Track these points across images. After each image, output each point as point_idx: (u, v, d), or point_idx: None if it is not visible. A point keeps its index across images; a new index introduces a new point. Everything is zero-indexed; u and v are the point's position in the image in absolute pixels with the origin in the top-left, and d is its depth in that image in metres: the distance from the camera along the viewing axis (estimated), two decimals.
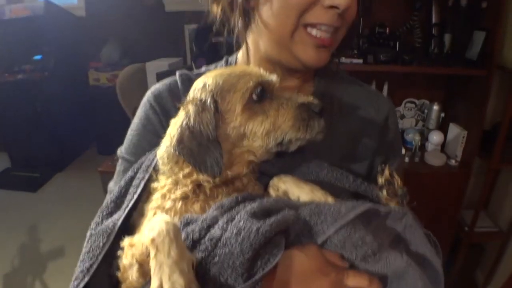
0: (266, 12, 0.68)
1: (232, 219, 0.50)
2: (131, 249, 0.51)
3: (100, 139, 4.13)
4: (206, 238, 0.49)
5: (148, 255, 0.46)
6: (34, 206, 3.42)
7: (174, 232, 0.45)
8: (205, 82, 0.59)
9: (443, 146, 2.37)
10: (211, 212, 0.53)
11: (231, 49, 0.84)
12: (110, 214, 0.63)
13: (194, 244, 0.49)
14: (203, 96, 0.58)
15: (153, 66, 2.38)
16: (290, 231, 0.52)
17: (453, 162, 2.28)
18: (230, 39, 0.82)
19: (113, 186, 0.76)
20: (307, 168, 0.65)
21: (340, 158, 0.73)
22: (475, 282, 2.57)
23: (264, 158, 0.62)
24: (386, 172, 0.56)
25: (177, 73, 0.81)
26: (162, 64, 2.43)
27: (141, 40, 3.85)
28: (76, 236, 3.02)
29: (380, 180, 0.57)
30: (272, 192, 0.61)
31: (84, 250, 0.59)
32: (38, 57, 3.77)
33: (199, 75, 0.81)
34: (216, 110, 0.57)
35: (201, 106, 0.57)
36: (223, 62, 0.84)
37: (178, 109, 0.61)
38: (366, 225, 0.53)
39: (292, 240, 0.52)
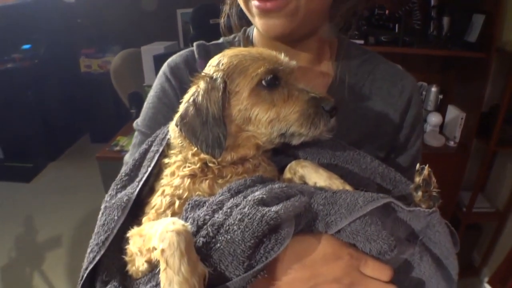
0: None
1: (238, 204, 0.48)
2: (139, 239, 0.50)
3: (93, 127, 4.09)
4: (209, 223, 0.47)
5: (156, 260, 0.45)
6: (29, 197, 3.38)
7: (186, 244, 0.43)
8: (219, 60, 0.58)
9: (441, 128, 2.38)
10: (218, 196, 0.52)
11: (231, 30, 0.82)
12: (124, 187, 0.62)
13: (198, 230, 0.48)
14: (214, 74, 0.57)
15: (149, 50, 2.34)
16: (301, 219, 0.50)
17: (451, 143, 2.30)
18: (228, 21, 0.81)
19: (128, 158, 0.75)
20: (321, 147, 0.63)
21: (359, 139, 0.72)
22: (472, 263, 2.61)
23: (269, 146, 0.60)
24: (426, 172, 0.53)
25: (195, 44, 0.79)
26: (158, 48, 2.39)
27: (133, 25, 3.78)
28: (73, 226, 3.01)
29: (418, 179, 0.54)
30: (288, 175, 0.60)
31: (98, 222, 0.58)
32: (27, 46, 3.69)
33: (216, 45, 0.80)
34: (224, 90, 0.55)
35: (211, 83, 0.56)
36: (241, 33, 0.81)
37: (192, 82, 0.59)
38: (384, 218, 0.51)
39: (302, 228, 0.50)
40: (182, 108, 0.56)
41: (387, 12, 2.08)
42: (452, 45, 2.12)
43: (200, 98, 0.55)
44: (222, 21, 0.82)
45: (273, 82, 0.56)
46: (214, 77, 0.56)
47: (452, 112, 2.31)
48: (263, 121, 0.56)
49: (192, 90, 0.58)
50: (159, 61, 2.12)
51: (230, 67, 0.56)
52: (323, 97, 0.57)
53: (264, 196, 0.49)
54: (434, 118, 2.28)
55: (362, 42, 1.98)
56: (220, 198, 0.51)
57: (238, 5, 0.71)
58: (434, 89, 2.32)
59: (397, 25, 2.07)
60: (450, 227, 0.55)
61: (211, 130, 0.54)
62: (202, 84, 0.56)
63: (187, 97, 0.57)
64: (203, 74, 0.58)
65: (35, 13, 3.57)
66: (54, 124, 3.82)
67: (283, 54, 0.60)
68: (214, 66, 0.58)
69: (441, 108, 2.39)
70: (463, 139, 2.28)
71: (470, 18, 2.17)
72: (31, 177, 3.62)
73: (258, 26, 0.67)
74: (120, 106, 2.85)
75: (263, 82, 0.56)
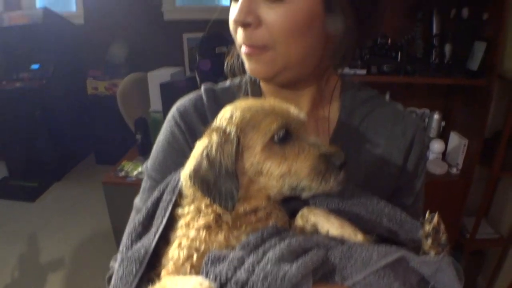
0: None
1: (259, 261, 0.49)
2: None
3: (98, 148, 4.12)
4: (232, 281, 0.48)
5: None
6: (33, 216, 3.38)
7: None
8: (232, 113, 0.59)
9: (444, 155, 2.39)
10: (238, 251, 0.53)
11: (234, 74, 0.85)
12: (139, 236, 0.63)
13: (221, 287, 0.49)
14: (228, 128, 0.58)
15: (155, 76, 2.37)
16: (318, 271, 0.51)
17: (454, 170, 2.30)
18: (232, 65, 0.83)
19: (139, 203, 0.77)
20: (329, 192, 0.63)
21: (365, 179, 0.73)
22: None
23: (279, 198, 0.61)
24: (435, 220, 0.54)
25: (203, 88, 0.81)
26: (164, 74, 2.42)
27: (140, 48, 3.85)
28: (76, 247, 3.02)
29: (428, 227, 0.55)
30: (300, 222, 0.61)
31: (116, 274, 0.59)
32: (35, 66, 3.75)
33: (224, 90, 0.82)
34: (238, 144, 0.57)
35: (225, 137, 0.57)
36: (247, 76, 0.83)
37: (204, 130, 0.61)
38: (397, 267, 0.52)
39: (318, 279, 0.51)
40: (194, 160, 0.57)
41: (389, 41, 2.11)
42: (454, 73, 2.15)
43: (213, 151, 0.56)
44: (226, 64, 0.85)
45: (285, 137, 0.57)
46: (227, 130, 0.57)
47: (455, 139, 2.32)
48: (274, 174, 0.57)
49: (204, 142, 0.58)
50: (165, 89, 2.17)
51: (243, 121, 0.57)
52: (333, 152, 0.58)
53: (284, 252, 0.50)
54: (436, 145, 2.29)
55: (364, 71, 2.01)
56: (240, 253, 0.52)
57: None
58: (436, 116, 2.33)
59: (399, 54, 2.09)
60: (456, 264, 0.55)
61: (224, 184, 0.54)
62: (215, 137, 0.57)
63: (199, 150, 0.58)
64: (215, 126, 0.60)
65: (44, 33, 3.61)
66: (60, 143, 3.85)
67: (293, 107, 0.61)
68: (227, 119, 0.59)
69: (443, 135, 2.40)
70: (466, 165, 2.29)
71: (472, 46, 2.20)
72: (36, 197, 3.63)
73: (248, 70, 0.71)
74: (126, 129, 2.88)
75: (275, 137, 0.57)
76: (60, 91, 3.74)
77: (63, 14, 3.89)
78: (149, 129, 2.25)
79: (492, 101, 2.15)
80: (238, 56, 0.78)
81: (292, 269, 0.47)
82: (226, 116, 0.60)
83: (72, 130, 3.92)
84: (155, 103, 2.34)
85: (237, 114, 0.58)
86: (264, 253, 0.51)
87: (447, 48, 2.21)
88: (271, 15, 0.62)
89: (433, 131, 2.37)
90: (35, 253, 2.91)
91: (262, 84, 0.81)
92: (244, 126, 0.57)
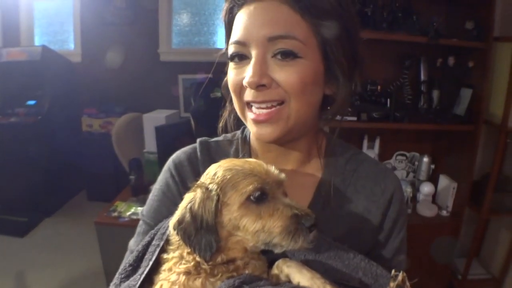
0: None
1: None
2: None
3: (90, 185, 4.10)
4: None
5: None
6: (22, 252, 3.31)
7: None
8: (215, 172, 0.64)
9: (434, 197, 2.42)
10: None
11: (227, 131, 0.88)
12: (128, 277, 0.68)
13: None
14: (210, 185, 0.63)
15: (150, 118, 2.42)
16: None
17: (444, 212, 2.33)
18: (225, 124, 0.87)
19: (133, 246, 0.81)
20: None
21: (345, 233, 0.76)
22: None
23: (256, 250, 0.65)
24: (400, 278, 0.58)
25: (197, 141, 0.86)
26: (159, 116, 2.47)
27: (135, 88, 3.92)
28: (65, 285, 2.93)
29: (392, 285, 0.59)
30: (276, 271, 0.65)
31: None
32: (31, 102, 3.78)
33: (217, 143, 0.87)
34: (217, 201, 0.61)
35: (207, 194, 0.62)
36: (239, 132, 0.88)
37: (190, 187, 0.65)
38: None
39: None
40: (179, 213, 0.62)
41: (379, 88, 2.19)
42: (441, 118, 2.21)
43: (196, 206, 0.61)
44: (220, 125, 0.88)
45: (261, 197, 0.62)
46: (209, 188, 0.62)
47: (444, 181, 2.37)
48: (250, 230, 0.62)
49: (189, 196, 0.63)
50: (160, 132, 2.20)
51: (224, 181, 0.62)
52: (304, 214, 0.62)
53: None
54: (426, 188, 2.33)
55: (355, 119, 2.06)
56: None
57: (235, 112, 0.79)
58: (425, 159, 2.39)
59: (388, 100, 2.16)
60: None
61: (204, 236, 0.60)
62: (199, 193, 0.62)
63: (184, 203, 0.63)
64: (200, 182, 0.65)
65: (42, 70, 3.66)
66: (52, 179, 3.83)
67: (273, 168, 0.66)
68: (210, 177, 0.64)
69: (433, 178, 2.44)
70: (456, 207, 2.33)
71: (459, 92, 2.29)
72: (25, 232, 3.56)
73: (252, 131, 0.74)
74: (119, 167, 2.89)
75: (252, 197, 0.61)
76: (55, 128, 3.76)
77: (61, 51, 3.97)
78: (143, 170, 2.27)
79: (479, 145, 2.22)
80: (231, 114, 0.84)
81: None
82: (210, 174, 0.65)
83: (64, 166, 3.91)
84: (150, 144, 2.37)
85: (219, 173, 0.64)
86: None
87: (435, 94, 2.29)
88: (283, 75, 0.67)
89: (423, 174, 2.41)
90: None
91: (253, 141, 0.86)
92: (225, 185, 0.62)
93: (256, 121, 0.71)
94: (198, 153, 0.83)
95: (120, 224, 2.09)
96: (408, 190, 2.28)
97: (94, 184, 4.01)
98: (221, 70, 0.78)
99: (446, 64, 2.24)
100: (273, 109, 0.69)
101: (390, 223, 0.82)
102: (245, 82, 0.68)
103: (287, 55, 0.66)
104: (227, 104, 0.83)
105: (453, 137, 2.37)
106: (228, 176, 0.63)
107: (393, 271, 0.60)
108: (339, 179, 0.82)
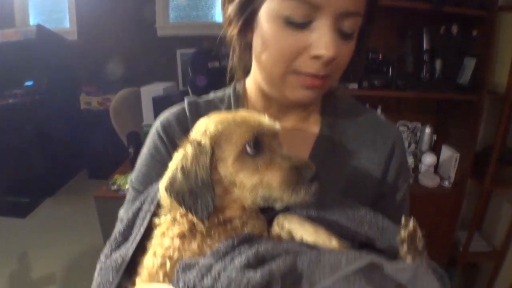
0: (259, 51, 0.69)
1: (225, 268, 0.50)
2: None
3: (91, 163, 4.09)
4: None
5: None
6: (24, 232, 3.33)
7: None
8: (207, 127, 0.60)
9: (436, 168, 2.41)
10: (207, 259, 0.53)
11: (232, 76, 0.84)
12: (118, 246, 0.64)
13: None
14: (202, 140, 0.58)
15: (148, 91, 2.38)
16: (286, 279, 0.50)
17: (446, 183, 2.32)
18: (226, 63, 0.82)
19: (123, 214, 0.77)
20: None
21: (347, 187, 0.74)
22: None
23: (254, 207, 0.61)
24: (411, 225, 0.54)
25: (186, 101, 0.82)
26: (156, 88, 2.44)
27: (133, 64, 3.88)
28: (69, 263, 2.96)
29: (403, 233, 0.55)
30: (276, 228, 0.61)
31: (94, 283, 0.60)
32: (29, 83, 3.75)
33: (207, 102, 0.83)
34: (212, 155, 0.57)
35: (200, 149, 0.57)
36: (231, 89, 0.84)
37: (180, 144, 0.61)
38: (371, 273, 0.51)
39: (287, 285, 0.51)
40: (170, 173, 0.58)
41: (380, 56, 2.14)
42: (444, 88, 2.18)
43: (189, 163, 0.56)
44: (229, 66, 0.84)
45: (257, 149, 0.58)
46: (202, 143, 0.58)
47: (446, 152, 2.34)
48: (247, 186, 0.58)
49: (179, 154, 0.59)
50: (158, 103, 2.17)
51: (216, 133, 0.58)
52: (304, 165, 0.58)
53: (250, 259, 0.50)
54: (428, 159, 2.31)
55: (356, 86, 2.03)
56: (208, 261, 0.52)
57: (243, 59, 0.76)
58: (428, 130, 2.36)
59: (390, 69, 2.12)
60: (439, 270, 0.55)
61: (199, 194, 0.55)
62: (190, 149, 0.58)
63: (175, 162, 0.58)
64: (190, 139, 0.60)
65: (38, 50, 3.62)
66: (52, 159, 3.82)
67: (266, 117, 0.62)
68: (201, 131, 0.60)
69: (435, 148, 2.42)
70: (458, 179, 2.31)
71: (462, 62, 2.24)
72: (27, 213, 3.58)
73: (291, 95, 0.70)
74: (119, 144, 2.88)
75: (247, 149, 0.57)
76: (54, 107, 3.74)
77: (57, 30, 3.92)
78: (141, 143, 2.24)
79: (482, 115, 2.19)
80: (240, 59, 0.78)
81: (256, 275, 0.47)
82: (201, 129, 0.60)
83: (64, 145, 3.91)
84: (148, 117, 2.35)
85: (210, 127, 0.59)
86: (232, 260, 0.51)
87: (438, 64, 2.25)
88: (344, 50, 0.65)
89: (425, 144, 2.39)
90: (27, 270, 2.86)
91: (251, 99, 0.82)
92: (218, 138, 0.58)
93: (305, 86, 0.68)
94: (187, 112, 0.79)
95: (120, 197, 2.08)
96: (410, 161, 2.26)
97: (94, 163, 4.01)
98: (219, 41, 0.74)
99: (450, 33, 2.19)
100: (326, 79, 0.68)
101: (394, 173, 0.79)
102: (317, 53, 0.63)
103: (348, 37, 0.65)
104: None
105: (456, 107, 2.34)
106: (220, 129, 0.58)
107: (403, 219, 0.55)
108: (338, 132, 0.79)
